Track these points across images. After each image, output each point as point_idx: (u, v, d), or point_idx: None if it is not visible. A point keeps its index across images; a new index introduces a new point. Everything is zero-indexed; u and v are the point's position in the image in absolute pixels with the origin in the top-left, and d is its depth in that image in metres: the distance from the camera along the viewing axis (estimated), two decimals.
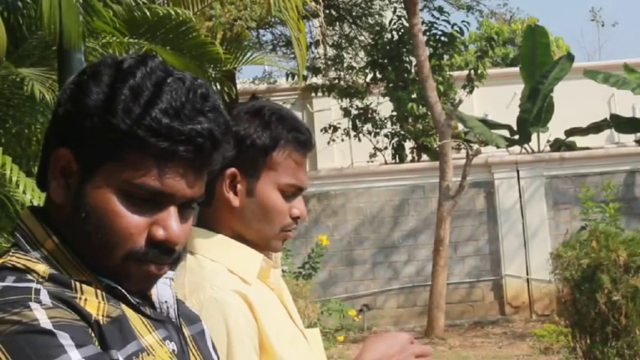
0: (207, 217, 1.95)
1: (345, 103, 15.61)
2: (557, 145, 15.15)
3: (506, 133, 15.12)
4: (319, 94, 16.06)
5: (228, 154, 1.34)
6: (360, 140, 15.51)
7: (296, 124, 1.96)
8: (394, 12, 15.40)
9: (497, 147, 14.51)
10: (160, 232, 1.30)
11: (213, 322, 1.70)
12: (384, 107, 15.28)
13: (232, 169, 1.91)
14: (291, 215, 1.95)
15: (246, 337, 1.83)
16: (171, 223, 1.30)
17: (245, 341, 1.82)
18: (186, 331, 1.43)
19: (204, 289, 1.81)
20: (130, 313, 1.32)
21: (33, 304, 1.20)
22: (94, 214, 1.28)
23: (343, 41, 16.64)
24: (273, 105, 2.00)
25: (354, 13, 16.71)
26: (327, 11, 15.25)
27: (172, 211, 1.31)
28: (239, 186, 1.92)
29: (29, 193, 4.60)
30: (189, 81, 1.31)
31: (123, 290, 1.31)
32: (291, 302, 2.05)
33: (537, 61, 14.93)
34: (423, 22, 13.70)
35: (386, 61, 15.02)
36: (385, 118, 15.31)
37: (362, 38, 16.87)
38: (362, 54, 16.69)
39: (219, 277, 1.86)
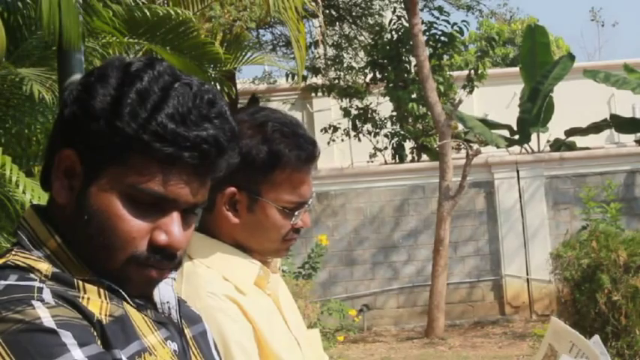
0: (209, 224, 1.94)
1: (345, 103, 15.60)
2: (557, 145, 15.14)
3: (506, 133, 15.11)
4: (319, 94, 16.04)
5: (234, 161, 1.34)
6: (360, 140, 15.49)
7: (298, 141, 1.90)
8: (394, 12, 15.38)
9: (497, 147, 14.49)
10: (162, 237, 1.29)
11: (210, 329, 1.70)
12: (384, 107, 15.27)
13: (231, 189, 1.87)
14: (293, 226, 1.93)
15: (244, 340, 1.83)
16: (173, 228, 1.30)
17: (243, 344, 1.82)
18: (187, 332, 1.43)
19: (199, 297, 1.80)
20: (133, 312, 1.32)
21: (36, 303, 1.20)
22: (96, 217, 1.28)
23: (343, 41, 16.63)
24: (276, 118, 1.93)
25: (353, 13, 16.70)
26: (327, 11, 15.25)
27: (175, 216, 1.30)
28: (238, 203, 1.89)
29: (29, 193, 4.60)
30: (196, 86, 1.30)
31: (123, 293, 1.31)
32: (289, 308, 2.04)
33: (537, 61, 14.91)
34: (422, 22, 13.68)
35: (386, 61, 15.00)
36: (385, 118, 15.30)
37: (362, 38, 16.86)
38: (362, 54, 16.67)
39: (214, 284, 1.85)
